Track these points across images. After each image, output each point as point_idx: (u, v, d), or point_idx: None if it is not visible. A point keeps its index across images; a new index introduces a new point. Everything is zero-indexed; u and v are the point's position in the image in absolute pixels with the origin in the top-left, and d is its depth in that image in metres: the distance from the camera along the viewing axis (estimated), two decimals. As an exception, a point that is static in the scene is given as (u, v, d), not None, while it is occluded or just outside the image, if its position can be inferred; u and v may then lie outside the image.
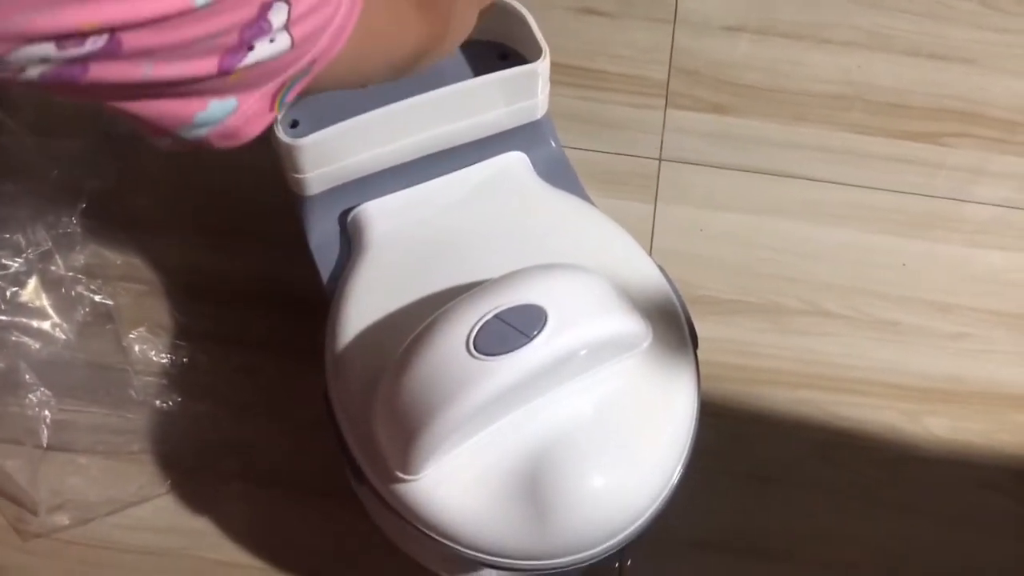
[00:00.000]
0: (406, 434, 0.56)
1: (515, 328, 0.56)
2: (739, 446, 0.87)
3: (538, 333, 0.56)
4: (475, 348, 0.55)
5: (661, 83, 1.04)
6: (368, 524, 0.76)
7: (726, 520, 0.85)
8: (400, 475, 0.58)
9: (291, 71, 0.42)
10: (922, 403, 0.90)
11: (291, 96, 0.44)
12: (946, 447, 0.89)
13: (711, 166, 1.01)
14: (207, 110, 0.40)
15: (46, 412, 0.84)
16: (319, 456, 0.68)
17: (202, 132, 0.41)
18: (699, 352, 0.68)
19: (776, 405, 0.89)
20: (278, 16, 0.38)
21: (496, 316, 0.56)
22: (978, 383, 0.92)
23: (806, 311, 0.94)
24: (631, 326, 0.60)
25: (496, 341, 0.56)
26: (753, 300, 0.94)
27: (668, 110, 1.03)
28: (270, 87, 0.42)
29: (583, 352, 0.58)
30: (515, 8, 0.74)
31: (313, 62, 0.42)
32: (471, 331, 0.56)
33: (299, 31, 0.40)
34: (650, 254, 0.95)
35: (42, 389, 0.84)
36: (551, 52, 0.73)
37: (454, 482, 0.59)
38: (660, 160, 1.00)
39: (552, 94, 0.76)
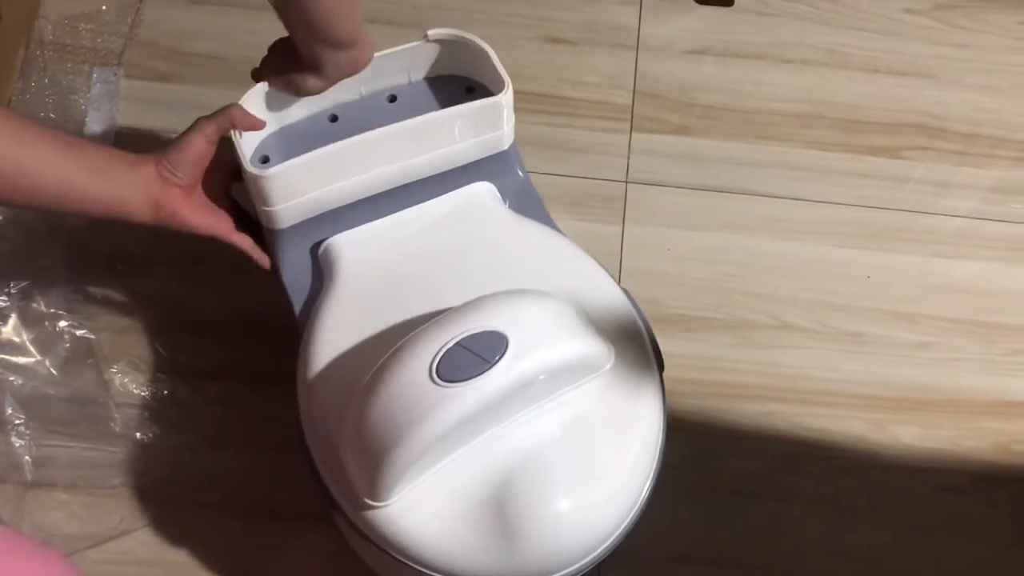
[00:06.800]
0: (373, 462, 0.58)
1: (477, 355, 0.58)
2: (709, 460, 0.89)
3: (500, 359, 0.58)
4: (438, 375, 0.57)
5: (626, 107, 1.07)
6: (348, 549, 0.77)
7: (699, 533, 0.86)
8: (369, 502, 0.60)
9: None
10: (889, 412, 0.92)
11: None
12: (913, 454, 0.91)
13: (677, 187, 1.03)
14: None
15: (27, 453, 0.85)
16: (299, 484, 0.70)
17: None
18: (668, 369, 0.70)
19: (745, 419, 0.91)
20: None
21: (458, 343, 0.58)
22: (943, 391, 0.94)
23: (772, 325, 0.96)
24: (592, 349, 0.62)
25: (458, 368, 0.57)
26: (720, 316, 0.96)
27: (633, 133, 1.05)
28: None
29: (544, 376, 0.60)
30: (477, 44, 0.75)
31: None
32: (434, 359, 0.58)
33: None
34: (619, 274, 0.98)
35: (25, 424, 0.85)
36: (517, 82, 0.74)
37: (423, 508, 0.61)
38: (627, 182, 1.03)
39: (520, 121, 0.78)
